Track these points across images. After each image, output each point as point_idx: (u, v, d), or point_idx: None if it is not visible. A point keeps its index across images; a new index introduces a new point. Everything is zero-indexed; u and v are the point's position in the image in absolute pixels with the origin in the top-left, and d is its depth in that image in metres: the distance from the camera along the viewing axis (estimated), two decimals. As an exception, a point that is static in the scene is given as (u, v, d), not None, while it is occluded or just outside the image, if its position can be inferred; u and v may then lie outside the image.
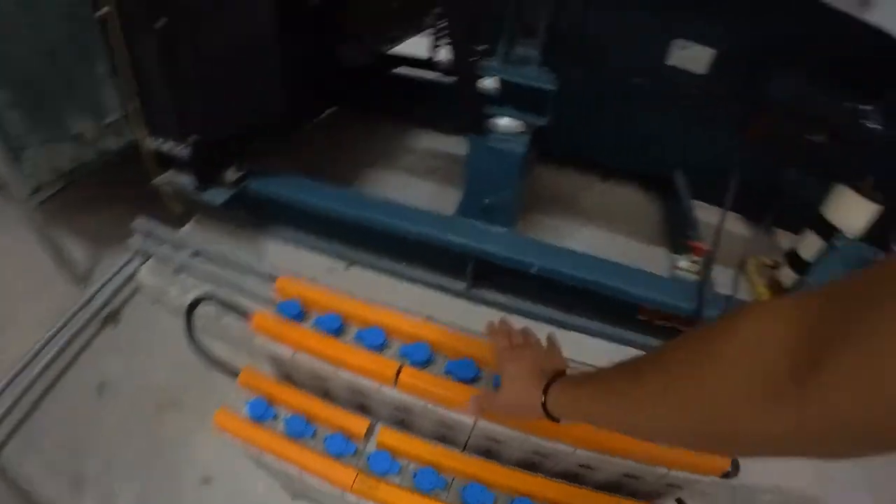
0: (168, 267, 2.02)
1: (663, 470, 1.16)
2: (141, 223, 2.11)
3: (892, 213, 1.94)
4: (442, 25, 2.64)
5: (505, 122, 1.92)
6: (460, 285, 2.10)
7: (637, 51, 2.12)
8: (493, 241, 1.97)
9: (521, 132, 1.93)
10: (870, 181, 1.92)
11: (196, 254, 2.04)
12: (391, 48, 3.10)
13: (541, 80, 1.87)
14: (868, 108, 1.91)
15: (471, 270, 2.05)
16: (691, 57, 2.03)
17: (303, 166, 2.33)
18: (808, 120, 1.93)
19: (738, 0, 1.58)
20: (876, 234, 1.97)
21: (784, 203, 2.17)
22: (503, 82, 1.88)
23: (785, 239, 2.43)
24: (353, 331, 1.31)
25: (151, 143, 1.99)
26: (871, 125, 1.89)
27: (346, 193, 2.18)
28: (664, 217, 2.70)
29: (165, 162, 2.06)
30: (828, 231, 2.00)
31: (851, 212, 1.96)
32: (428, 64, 2.94)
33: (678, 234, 2.37)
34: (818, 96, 1.94)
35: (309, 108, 2.99)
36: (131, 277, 2.08)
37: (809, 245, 2.08)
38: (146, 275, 2.03)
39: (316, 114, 3.06)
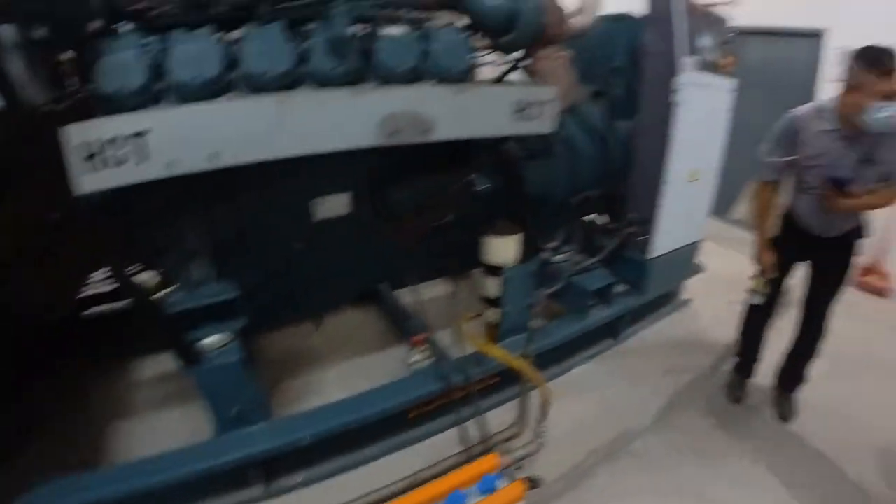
0: None
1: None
2: None
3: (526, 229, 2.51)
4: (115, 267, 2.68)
5: (211, 341, 2.06)
6: (258, 490, 2.16)
7: (289, 225, 2.38)
8: (259, 440, 2.08)
9: (229, 340, 2.08)
10: (501, 223, 2.48)
11: None
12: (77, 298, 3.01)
13: (222, 292, 2.06)
14: (474, 176, 2.43)
15: (259, 473, 2.13)
16: (333, 205, 2.37)
17: (47, 458, 2.20)
18: (439, 206, 2.40)
19: (349, 158, 1.92)
20: (529, 246, 2.53)
21: (461, 260, 2.60)
22: (191, 309, 2.03)
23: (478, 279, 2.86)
24: None
25: None
26: (480, 186, 2.40)
27: (105, 475, 2.11)
28: (386, 323, 3.02)
29: None
30: (496, 270, 2.51)
31: (502, 250, 2.50)
32: (115, 295, 2.94)
33: (402, 333, 2.71)
34: (438, 186, 2.40)
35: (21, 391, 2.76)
36: None
37: (491, 286, 2.57)
38: None
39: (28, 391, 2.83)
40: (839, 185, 2.22)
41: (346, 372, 2.69)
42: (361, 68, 1.93)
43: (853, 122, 2.12)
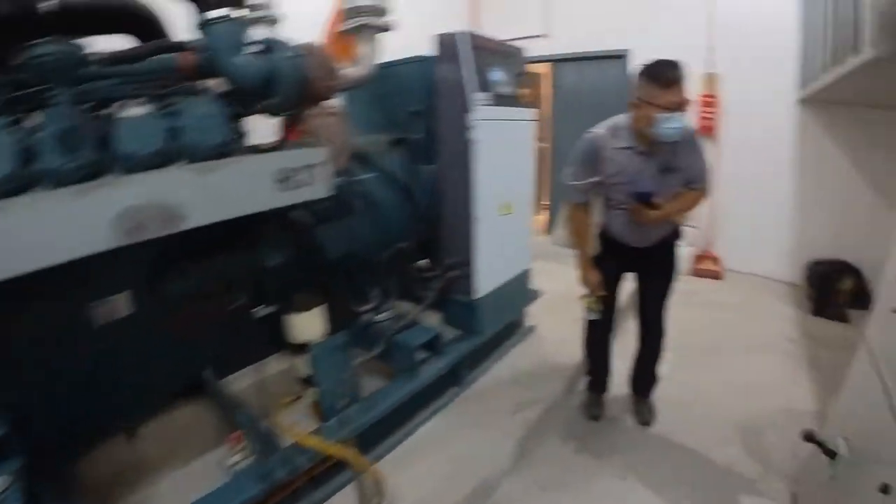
0: None
1: None
2: None
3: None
4: None
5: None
6: None
7: (68, 337, 2.04)
8: None
9: (7, 486, 1.76)
10: (299, 297, 2.33)
11: None
12: None
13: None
14: (262, 251, 2.26)
15: None
16: (113, 307, 2.08)
17: None
18: (223, 290, 2.21)
19: (119, 253, 1.68)
20: (341, 314, 2.40)
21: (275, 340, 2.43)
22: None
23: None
24: None
25: None
26: (271, 262, 2.23)
27: None
28: (218, 415, 2.67)
29: None
30: (305, 347, 2.32)
31: (305, 326, 2.34)
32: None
33: (233, 426, 2.43)
34: (219, 268, 2.19)
35: None
36: None
37: (302, 365, 2.40)
38: None
39: None
40: (645, 199, 2.28)
41: (180, 479, 2.34)
42: (100, 159, 1.71)
43: (646, 136, 2.19)
